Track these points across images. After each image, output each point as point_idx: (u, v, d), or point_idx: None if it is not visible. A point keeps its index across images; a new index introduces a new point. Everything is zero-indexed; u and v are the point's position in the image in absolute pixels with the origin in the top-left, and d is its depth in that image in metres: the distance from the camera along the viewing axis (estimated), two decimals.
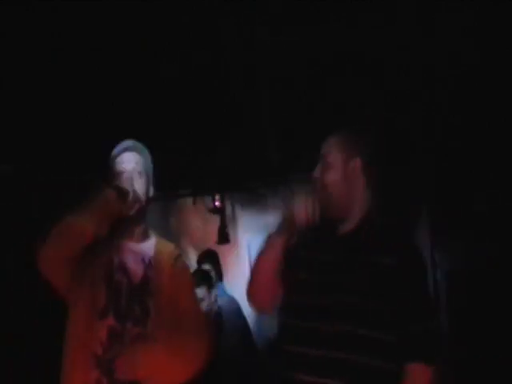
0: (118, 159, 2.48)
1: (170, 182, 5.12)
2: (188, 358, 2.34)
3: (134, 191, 2.36)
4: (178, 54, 3.88)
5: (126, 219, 2.39)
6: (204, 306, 4.47)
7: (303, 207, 2.21)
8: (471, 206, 4.45)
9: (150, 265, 2.44)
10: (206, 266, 4.94)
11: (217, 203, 5.36)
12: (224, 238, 5.36)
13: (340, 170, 2.22)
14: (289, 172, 4.70)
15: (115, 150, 2.50)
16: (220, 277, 4.98)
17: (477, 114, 4.21)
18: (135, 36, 3.53)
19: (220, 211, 5.37)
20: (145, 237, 2.51)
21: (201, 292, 4.45)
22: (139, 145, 2.53)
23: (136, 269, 2.41)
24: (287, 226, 2.28)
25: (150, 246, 2.50)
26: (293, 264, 2.29)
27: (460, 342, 4.39)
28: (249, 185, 5.20)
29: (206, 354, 2.38)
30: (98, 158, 2.56)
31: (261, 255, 2.34)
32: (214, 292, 4.61)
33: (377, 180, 2.26)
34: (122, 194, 2.33)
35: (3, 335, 3.97)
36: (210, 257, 5.07)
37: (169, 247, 2.55)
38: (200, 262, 5.04)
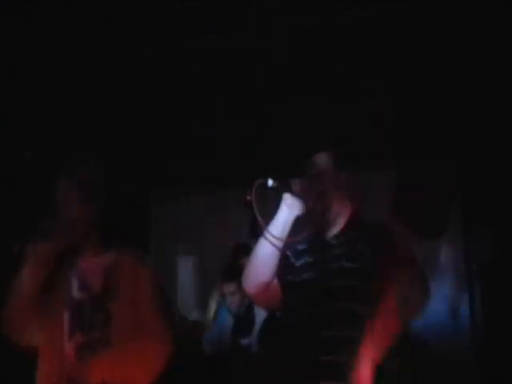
0: (60, 188, 2.51)
1: (199, 177, 5.23)
2: (147, 363, 2.41)
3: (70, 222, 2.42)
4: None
5: (72, 247, 2.46)
6: (236, 299, 4.53)
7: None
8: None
9: (111, 273, 2.49)
10: (243, 260, 4.97)
11: (248, 197, 5.36)
12: (255, 232, 5.37)
13: (332, 184, 2.51)
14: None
15: (59, 179, 2.53)
16: None
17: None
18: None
19: (252, 206, 5.37)
20: (102, 249, 2.55)
21: (232, 286, 4.50)
22: (78, 167, 2.54)
23: (95, 281, 2.48)
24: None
25: (109, 256, 2.54)
26: (293, 268, 2.55)
27: (495, 334, 4.33)
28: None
29: (164, 359, 2.45)
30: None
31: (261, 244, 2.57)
32: None
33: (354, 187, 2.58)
34: (57, 235, 2.38)
35: None
36: (244, 251, 5.10)
37: (129, 254, 2.59)
38: (235, 255, 5.08)
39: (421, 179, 5.03)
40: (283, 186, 2.46)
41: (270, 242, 2.49)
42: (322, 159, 2.57)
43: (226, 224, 5.44)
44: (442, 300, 4.63)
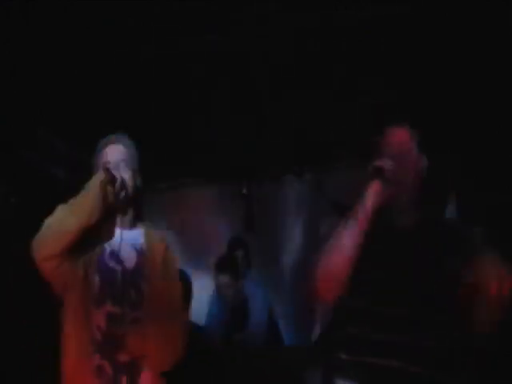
0: (104, 151, 2.58)
1: (195, 169, 5.24)
2: (176, 341, 2.47)
3: (122, 179, 2.45)
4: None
5: (115, 207, 2.48)
6: (230, 292, 4.54)
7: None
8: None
9: (142, 251, 2.54)
10: (238, 253, 4.99)
11: (244, 190, 5.41)
12: (250, 225, 5.40)
13: (414, 165, 2.35)
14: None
15: (100, 143, 2.61)
16: (248, 264, 5.04)
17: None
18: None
19: (247, 198, 5.41)
20: (133, 225, 2.61)
21: (226, 278, 4.52)
22: (124, 138, 2.64)
23: (129, 255, 2.52)
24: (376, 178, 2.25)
25: (138, 233, 2.61)
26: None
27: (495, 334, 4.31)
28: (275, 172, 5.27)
29: (185, 344, 2.51)
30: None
31: (344, 229, 2.20)
32: (241, 279, 4.65)
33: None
34: (112, 178, 2.41)
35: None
36: (240, 244, 5.11)
37: (157, 236, 2.66)
38: (231, 248, 5.10)
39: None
40: (374, 171, 2.23)
41: (359, 226, 2.18)
42: (404, 136, 2.41)
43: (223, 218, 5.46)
44: None
